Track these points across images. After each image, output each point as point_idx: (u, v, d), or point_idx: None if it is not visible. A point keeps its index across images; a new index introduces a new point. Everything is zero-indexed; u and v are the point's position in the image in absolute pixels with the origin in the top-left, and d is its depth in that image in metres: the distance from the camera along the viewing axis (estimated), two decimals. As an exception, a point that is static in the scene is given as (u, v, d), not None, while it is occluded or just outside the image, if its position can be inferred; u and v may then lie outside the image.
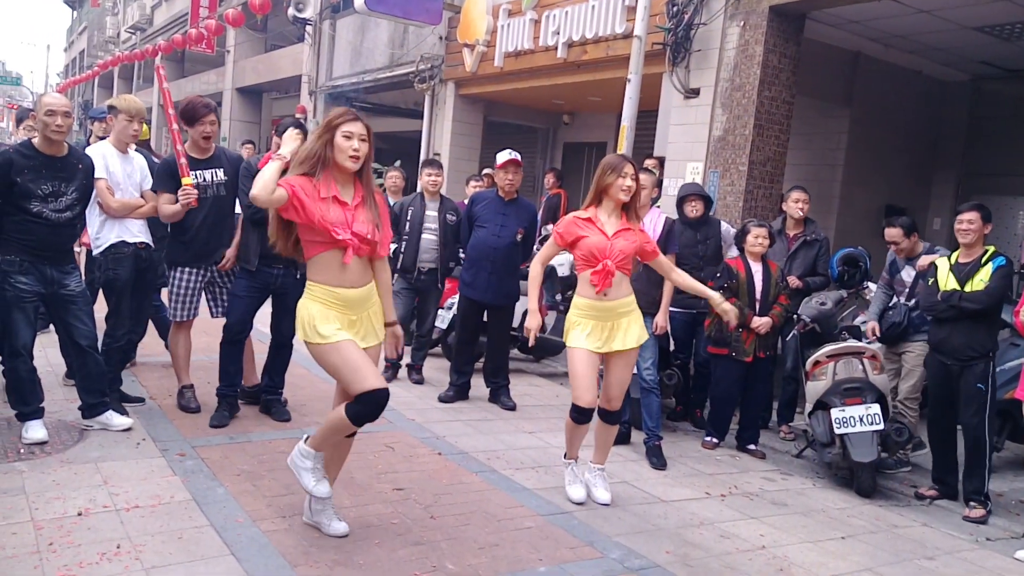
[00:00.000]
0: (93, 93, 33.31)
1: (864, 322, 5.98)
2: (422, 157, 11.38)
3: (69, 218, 4.23)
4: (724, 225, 5.94)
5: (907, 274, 5.33)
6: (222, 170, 4.87)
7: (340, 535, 3.39)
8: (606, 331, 4.00)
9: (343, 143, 3.18)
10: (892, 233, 5.45)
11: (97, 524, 3.31)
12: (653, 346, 5.07)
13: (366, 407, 3.22)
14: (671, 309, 5.85)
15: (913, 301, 5.27)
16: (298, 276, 4.66)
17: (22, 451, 4.05)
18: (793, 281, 5.72)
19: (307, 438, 3.39)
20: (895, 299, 5.45)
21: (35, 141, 4.17)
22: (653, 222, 5.09)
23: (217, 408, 4.82)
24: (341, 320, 3.26)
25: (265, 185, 3.09)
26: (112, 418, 4.43)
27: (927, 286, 4.83)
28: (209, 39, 17.98)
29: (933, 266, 4.81)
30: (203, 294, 5.00)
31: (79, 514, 3.38)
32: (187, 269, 4.85)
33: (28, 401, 4.22)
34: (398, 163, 8.87)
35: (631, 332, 4.05)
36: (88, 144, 5.41)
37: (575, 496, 4.14)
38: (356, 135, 3.19)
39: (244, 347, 4.94)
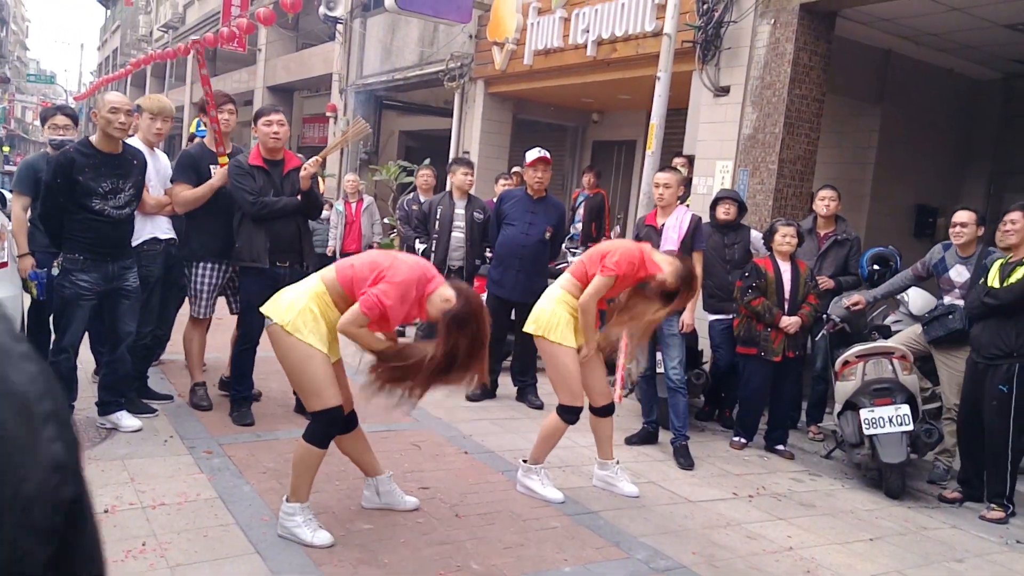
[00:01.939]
0: (126, 91, 33.76)
1: (896, 322, 5.91)
2: (451, 155, 11.41)
3: (128, 214, 4.32)
4: (753, 232, 5.91)
5: (956, 273, 5.09)
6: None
7: (324, 545, 3.28)
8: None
9: None
10: (964, 217, 5.05)
11: (123, 521, 3.35)
12: (680, 345, 5.04)
13: (325, 425, 3.29)
14: (711, 317, 5.84)
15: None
16: (306, 270, 4.63)
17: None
18: (824, 282, 5.65)
19: (286, 498, 3.38)
20: (944, 299, 5.26)
21: (94, 139, 4.23)
22: (680, 219, 5.07)
23: (240, 409, 4.81)
24: (330, 336, 3.32)
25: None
26: (122, 419, 4.44)
27: (976, 284, 4.77)
28: (241, 37, 18.13)
29: (979, 263, 4.76)
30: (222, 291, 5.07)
31: (105, 511, 3.42)
32: (209, 264, 4.91)
33: (61, 400, 4.29)
34: (427, 161, 8.90)
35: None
36: None
37: (555, 497, 4.07)
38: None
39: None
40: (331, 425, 3.31)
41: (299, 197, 4.66)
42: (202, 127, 5.76)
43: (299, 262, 4.69)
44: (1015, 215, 4.51)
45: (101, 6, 47.93)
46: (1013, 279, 4.40)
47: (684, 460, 4.92)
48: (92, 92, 38.76)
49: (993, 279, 4.53)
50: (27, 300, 4.70)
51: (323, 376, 3.25)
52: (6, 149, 26.17)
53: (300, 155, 5.04)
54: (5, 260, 4.62)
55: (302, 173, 4.60)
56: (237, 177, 4.58)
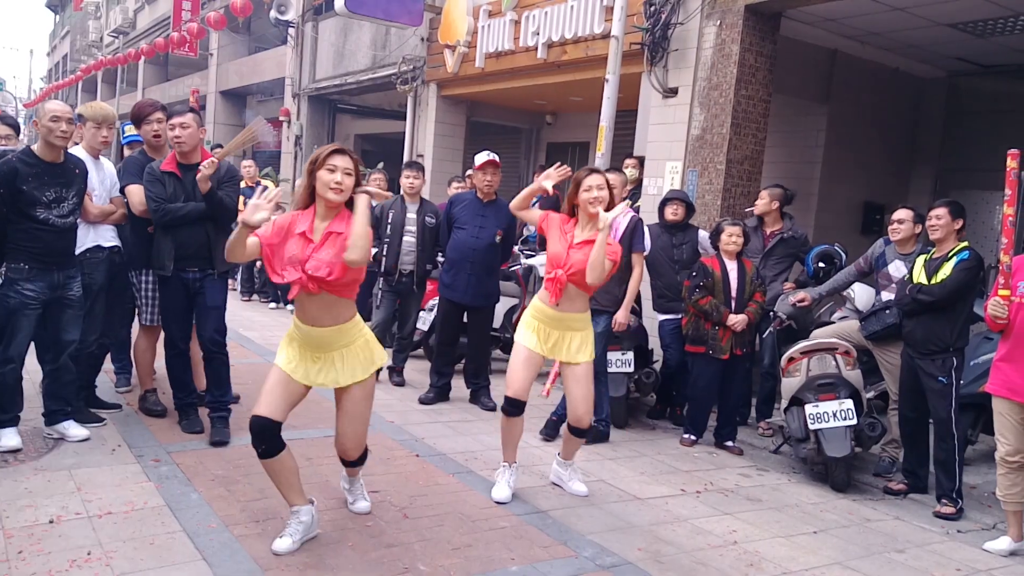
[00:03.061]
0: (77, 98, 33.11)
1: (843, 318, 6.03)
2: (405, 158, 11.38)
3: (72, 223, 4.29)
4: (701, 232, 6.00)
5: (895, 268, 5.22)
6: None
7: (281, 552, 3.28)
8: (552, 339, 4.07)
9: (325, 176, 3.19)
10: (902, 215, 5.20)
11: (68, 531, 3.31)
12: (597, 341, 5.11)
13: (252, 437, 3.27)
14: (661, 317, 5.91)
15: None
16: (216, 276, 4.56)
17: (-5, 458, 4.06)
18: (800, 296, 5.63)
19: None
20: (879, 295, 5.40)
21: (36, 148, 4.18)
22: (617, 220, 5.12)
23: (187, 417, 4.74)
24: (300, 354, 3.32)
25: (232, 250, 3.19)
26: (69, 428, 4.39)
27: (903, 280, 4.88)
28: (192, 42, 17.95)
29: (912, 261, 4.85)
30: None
31: (51, 521, 3.38)
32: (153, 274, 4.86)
33: (7, 409, 4.21)
34: (380, 165, 8.88)
35: (582, 349, 4.08)
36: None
37: (500, 496, 4.08)
38: (340, 168, 3.19)
39: (189, 356, 4.79)
40: (253, 431, 3.24)
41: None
42: (132, 132, 5.68)
43: (209, 268, 4.54)
44: (940, 211, 4.62)
45: (50, 11, 47.00)
46: (941, 275, 4.51)
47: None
48: (42, 99, 37.92)
49: (919, 275, 4.64)
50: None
51: (267, 387, 3.30)
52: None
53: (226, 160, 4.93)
54: None
55: (197, 176, 4.40)
56: (147, 184, 4.50)
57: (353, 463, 3.64)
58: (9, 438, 4.17)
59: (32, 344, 4.34)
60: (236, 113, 19.82)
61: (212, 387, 4.65)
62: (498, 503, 4.05)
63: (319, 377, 3.34)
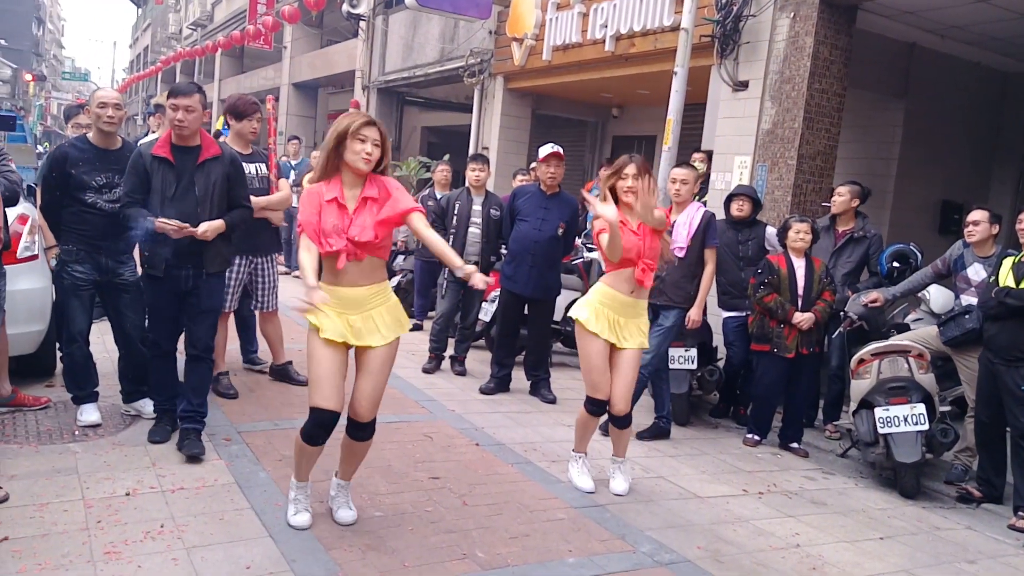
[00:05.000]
0: (156, 88, 34.25)
1: (917, 320, 5.85)
2: (471, 151, 11.45)
3: None
4: (769, 228, 5.88)
5: (974, 271, 5.06)
6: (264, 164, 5.20)
7: (300, 527, 3.35)
8: (618, 327, 4.06)
9: (357, 145, 3.21)
10: (977, 216, 5.07)
11: (143, 504, 3.45)
12: (662, 340, 5.08)
13: (311, 425, 3.26)
14: (725, 314, 5.84)
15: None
16: (205, 276, 4.15)
17: (76, 433, 4.25)
18: (872, 297, 5.49)
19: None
20: (958, 299, 5.23)
21: (89, 135, 4.34)
22: (690, 216, 5.07)
23: (157, 422, 4.34)
24: (339, 319, 3.23)
25: (304, 270, 3.17)
26: (145, 406, 4.54)
27: (988, 283, 4.71)
28: (267, 35, 18.32)
29: (998, 263, 4.69)
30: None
31: (127, 494, 3.53)
32: (233, 260, 5.01)
33: (83, 386, 4.41)
34: (446, 157, 8.96)
35: (639, 333, 4.12)
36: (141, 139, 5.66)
37: (585, 486, 4.16)
38: (370, 139, 3.21)
39: (176, 359, 4.36)
40: (316, 425, 3.26)
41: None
42: (227, 127, 5.90)
43: (200, 264, 4.11)
44: None
45: (133, 5, 48.65)
46: None
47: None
48: (124, 89, 39.36)
49: (1006, 278, 4.46)
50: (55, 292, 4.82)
51: (323, 372, 3.22)
52: (45, 144, 26.64)
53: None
54: (36, 253, 4.74)
55: (198, 235, 3.97)
56: (127, 173, 4.10)
57: (363, 431, 3.39)
58: (89, 413, 4.36)
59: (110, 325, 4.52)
60: (308, 105, 20.21)
61: (191, 394, 4.20)
62: (588, 493, 4.11)
63: (362, 337, 3.27)
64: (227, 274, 5.04)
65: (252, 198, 4.87)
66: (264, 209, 5.09)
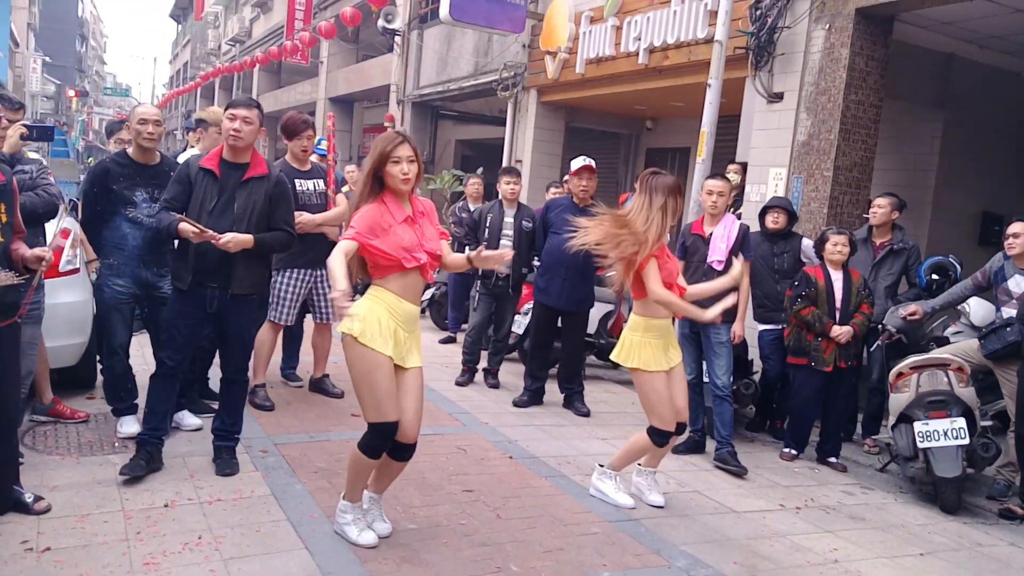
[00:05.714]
0: (195, 103, 34.89)
1: (957, 333, 5.75)
2: (504, 164, 11.50)
3: None
4: (805, 240, 5.82)
5: (1015, 284, 4.97)
6: (323, 180, 5.33)
7: (368, 546, 3.35)
8: (665, 353, 4.10)
9: (393, 168, 3.25)
10: (1017, 228, 4.98)
11: (181, 516, 3.50)
12: (728, 354, 5.01)
13: (374, 437, 3.27)
14: (760, 327, 5.79)
15: None
16: (229, 296, 3.95)
17: (116, 444, 4.33)
18: (911, 310, 5.41)
19: (343, 495, 3.46)
20: (999, 312, 5.13)
21: (129, 150, 4.43)
22: (728, 229, 5.04)
23: (136, 453, 3.95)
24: (396, 336, 3.24)
25: (335, 274, 3.06)
26: (185, 417, 4.62)
27: None
28: (304, 51, 18.62)
29: None
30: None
31: (165, 506, 3.59)
32: (293, 272, 5.19)
33: (123, 398, 4.49)
34: (480, 170, 9.02)
35: (676, 348, 4.21)
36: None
37: (626, 503, 4.14)
38: (404, 158, 3.26)
39: (177, 384, 4.16)
40: (384, 439, 3.29)
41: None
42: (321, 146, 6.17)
43: (226, 283, 3.92)
44: None
45: (174, 21, 49.72)
46: None
47: (734, 466, 4.87)
48: (164, 104, 40.17)
49: None
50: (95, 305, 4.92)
51: (385, 389, 3.22)
52: (90, 160, 27.30)
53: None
54: (77, 266, 4.85)
55: (220, 244, 3.77)
56: (172, 182, 4.02)
57: (409, 452, 3.40)
58: (129, 425, 4.44)
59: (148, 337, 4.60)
60: (344, 119, 20.46)
61: (225, 414, 4.15)
62: (627, 508, 4.10)
63: (410, 359, 3.31)
64: (285, 288, 5.22)
65: (309, 215, 4.99)
66: (322, 225, 5.19)
